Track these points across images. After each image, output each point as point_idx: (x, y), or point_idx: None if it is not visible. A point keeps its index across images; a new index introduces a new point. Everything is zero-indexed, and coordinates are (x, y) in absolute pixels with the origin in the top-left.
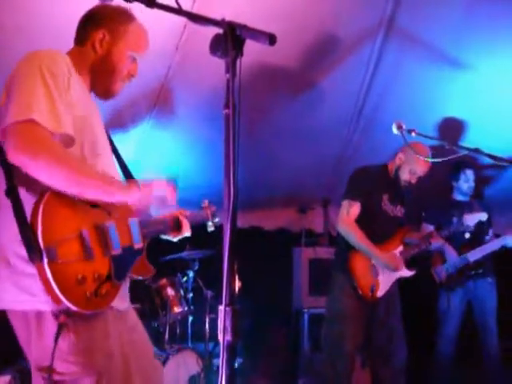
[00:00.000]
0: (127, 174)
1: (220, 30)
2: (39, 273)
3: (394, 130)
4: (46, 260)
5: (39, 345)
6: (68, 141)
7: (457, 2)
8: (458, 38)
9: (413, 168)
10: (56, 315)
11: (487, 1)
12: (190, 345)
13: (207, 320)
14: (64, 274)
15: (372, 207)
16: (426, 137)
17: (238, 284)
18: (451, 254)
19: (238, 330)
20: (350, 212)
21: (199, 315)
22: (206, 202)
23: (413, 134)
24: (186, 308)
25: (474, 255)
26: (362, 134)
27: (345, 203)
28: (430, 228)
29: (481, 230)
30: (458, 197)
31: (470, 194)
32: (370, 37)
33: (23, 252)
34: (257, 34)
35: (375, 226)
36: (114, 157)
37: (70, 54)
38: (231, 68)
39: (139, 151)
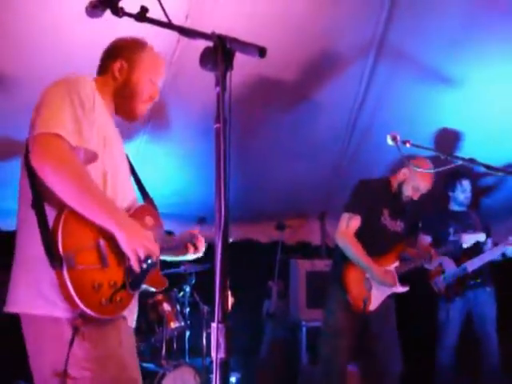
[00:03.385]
0: (145, 195)
1: (210, 44)
2: (58, 278)
3: (389, 142)
4: (65, 266)
5: (54, 351)
6: (91, 156)
7: (447, 17)
8: (449, 53)
9: (416, 184)
10: (71, 323)
11: (477, 15)
12: (187, 360)
13: (204, 335)
14: (81, 281)
15: (372, 221)
16: (420, 148)
17: (230, 300)
18: (449, 264)
19: (231, 347)
20: (349, 225)
21: (196, 330)
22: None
23: (407, 145)
24: (182, 323)
25: (473, 265)
26: (357, 148)
27: (345, 216)
28: (428, 239)
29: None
30: (455, 207)
31: (466, 204)
32: (363, 52)
33: (43, 258)
34: (247, 47)
35: (373, 241)
36: (131, 178)
37: (95, 81)
38: (221, 81)
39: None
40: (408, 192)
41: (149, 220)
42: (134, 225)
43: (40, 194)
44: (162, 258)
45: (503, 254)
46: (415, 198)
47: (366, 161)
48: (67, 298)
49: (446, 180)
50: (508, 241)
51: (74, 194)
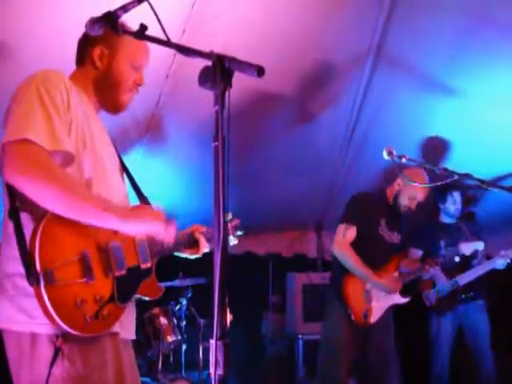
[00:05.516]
0: (139, 194)
1: (209, 62)
2: (36, 296)
3: (385, 156)
4: (43, 283)
5: (32, 369)
6: (70, 159)
7: (445, 27)
8: (447, 63)
9: (412, 193)
10: (52, 339)
11: (474, 26)
12: (183, 374)
13: (201, 348)
14: (62, 298)
15: (369, 232)
16: (416, 162)
17: (229, 317)
18: (441, 278)
19: (229, 364)
20: (345, 235)
21: (193, 344)
22: (229, 215)
23: (403, 159)
24: (179, 337)
25: (464, 279)
26: (354, 159)
27: (341, 227)
28: (419, 253)
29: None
30: (446, 219)
31: (457, 216)
32: (359, 63)
33: (23, 272)
34: (245, 67)
35: (370, 251)
36: (124, 176)
37: (73, 76)
38: (220, 100)
39: None
40: (405, 202)
41: None
42: (133, 211)
43: (16, 204)
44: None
45: (493, 268)
46: (412, 207)
47: (362, 174)
48: (47, 316)
49: (437, 192)
50: (499, 254)
51: (59, 199)
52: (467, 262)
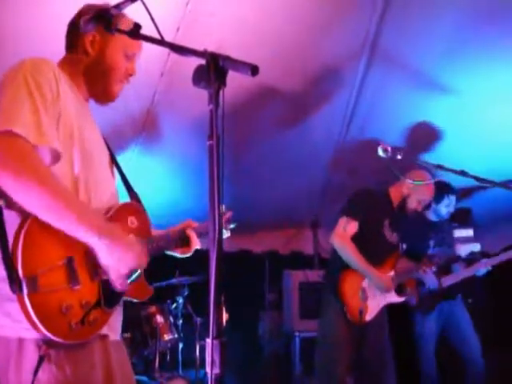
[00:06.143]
0: (129, 189)
1: (203, 61)
2: (19, 303)
3: (381, 154)
4: (25, 291)
5: (19, 374)
6: (56, 155)
7: (440, 23)
8: (442, 59)
9: (421, 198)
10: (38, 345)
11: (471, 22)
12: (180, 372)
13: (198, 347)
14: (46, 305)
15: (371, 230)
16: (411, 157)
17: (224, 316)
18: (431, 278)
19: (226, 362)
20: (346, 228)
21: (189, 342)
22: (222, 208)
23: (398, 156)
24: (175, 335)
25: (449, 281)
26: (349, 157)
27: (343, 219)
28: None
29: (473, 257)
30: (432, 217)
31: (445, 218)
32: (354, 60)
33: (6, 276)
34: (239, 65)
35: (371, 249)
36: (114, 170)
37: (62, 62)
38: (214, 99)
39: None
40: (413, 205)
41: (132, 221)
42: (115, 234)
43: (1, 201)
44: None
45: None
46: (419, 209)
47: (358, 170)
48: (30, 323)
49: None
50: (481, 262)
51: (41, 204)
52: (449, 265)
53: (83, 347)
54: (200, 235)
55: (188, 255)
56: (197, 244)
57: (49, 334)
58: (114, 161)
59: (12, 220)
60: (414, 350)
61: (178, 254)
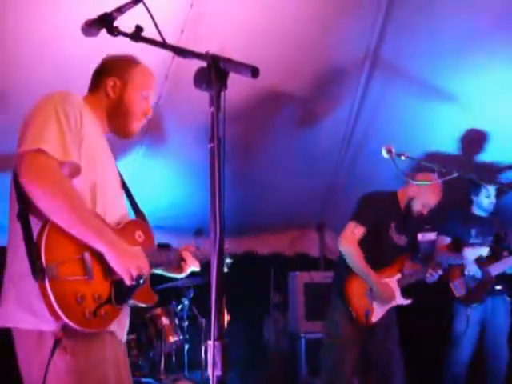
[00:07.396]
0: (136, 211)
1: (204, 63)
2: (41, 289)
3: (384, 154)
4: (47, 277)
5: (41, 365)
6: (75, 170)
7: (442, 31)
8: (444, 66)
9: (426, 201)
10: (55, 333)
11: (472, 29)
12: (186, 374)
13: (203, 348)
14: (64, 292)
15: (380, 234)
16: (415, 160)
17: (226, 318)
18: (472, 265)
19: (228, 364)
20: (354, 232)
21: (195, 344)
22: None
23: (402, 157)
24: (181, 337)
25: (495, 269)
26: (353, 160)
27: (352, 224)
28: (447, 240)
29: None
30: (478, 212)
31: (489, 211)
32: (357, 67)
33: (30, 272)
34: (240, 67)
35: (377, 252)
36: (123, 194)
37: (86, 98)
38: (215, 101)
39: (130, 180)
40: (418, 208)
41: (139, 235)
42: (123, 243)
43: (26, 206)
44: (156, 272)
45: None
46: (425, 212)
47: (361, 173)
48: (49, 309)
49: (470, 184)
50: None
51: (62, 214)
52: (497, 253)
53: (97, 340)
54: (196, 256)
55: (183, 276)
56: (193, 263)
57: (66, 319)
58: (123, 184)
59: (35, 220)
60: (436, 351)
61: (175, 275)
